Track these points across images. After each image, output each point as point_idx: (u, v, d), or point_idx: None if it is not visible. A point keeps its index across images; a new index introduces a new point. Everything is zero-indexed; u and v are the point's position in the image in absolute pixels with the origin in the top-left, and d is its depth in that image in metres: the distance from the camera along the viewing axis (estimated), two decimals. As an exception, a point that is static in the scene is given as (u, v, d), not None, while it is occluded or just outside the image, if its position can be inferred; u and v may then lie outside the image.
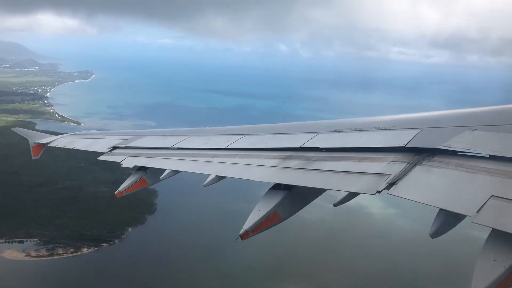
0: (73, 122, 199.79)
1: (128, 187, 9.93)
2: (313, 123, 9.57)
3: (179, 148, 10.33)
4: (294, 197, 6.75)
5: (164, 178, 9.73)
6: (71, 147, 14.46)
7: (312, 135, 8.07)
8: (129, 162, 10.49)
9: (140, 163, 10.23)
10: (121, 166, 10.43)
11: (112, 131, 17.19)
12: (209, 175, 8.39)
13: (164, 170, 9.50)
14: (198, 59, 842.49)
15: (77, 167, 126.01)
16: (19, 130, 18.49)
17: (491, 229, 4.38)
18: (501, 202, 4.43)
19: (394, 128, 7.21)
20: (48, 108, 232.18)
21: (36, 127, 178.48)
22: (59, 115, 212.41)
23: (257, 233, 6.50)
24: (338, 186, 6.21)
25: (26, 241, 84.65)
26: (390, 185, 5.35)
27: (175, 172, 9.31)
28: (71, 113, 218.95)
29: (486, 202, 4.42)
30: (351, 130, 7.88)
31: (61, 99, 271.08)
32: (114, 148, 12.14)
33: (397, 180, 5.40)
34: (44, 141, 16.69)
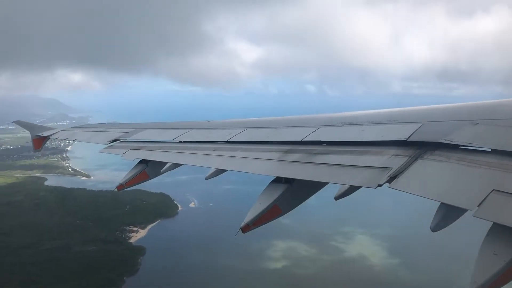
0: (83, 175, 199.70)
1: (129, 180, 10.07)
2: (314, 117, 9.63)
3: (180, 142, 10.48)
4: (295, 190, 6.77)
5: (165, 171, 9.93)
6: (72, 140, 15.60)
7: (313, 128, 8.01)
8: (130, 155, 10.69)
9: (142, 156, 10.39)
10: (123, 159, 10.66)
11: (113, 124, 16.62)
12: (210, 168, 8.60)
13: (165, 163, 9.61)
14: (228, 105, 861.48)
15: (71, 224, 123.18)
16: (20, 123, 18.95)
17: (491, 223, 4.45)
18: (502, 196, 4.45)
19: (396, 122, 7.18)
20: (64, 162, 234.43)
21: (46, 182, 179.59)
22: (72, 169, 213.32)
23: (257, 226, 6.66)
24: (339, 179, 6.20)
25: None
26: (391, 178, 5.36)
27: (176, 165, 9.45)
28: (85, 166, 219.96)
29: (487, 196, 4.44)
30: (352, 124, 7.85)
31: (80, 152, 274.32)
32: (115, 141, 12.37)
33: (398, 174, 5.40)
34: (45, 133, 17.05)
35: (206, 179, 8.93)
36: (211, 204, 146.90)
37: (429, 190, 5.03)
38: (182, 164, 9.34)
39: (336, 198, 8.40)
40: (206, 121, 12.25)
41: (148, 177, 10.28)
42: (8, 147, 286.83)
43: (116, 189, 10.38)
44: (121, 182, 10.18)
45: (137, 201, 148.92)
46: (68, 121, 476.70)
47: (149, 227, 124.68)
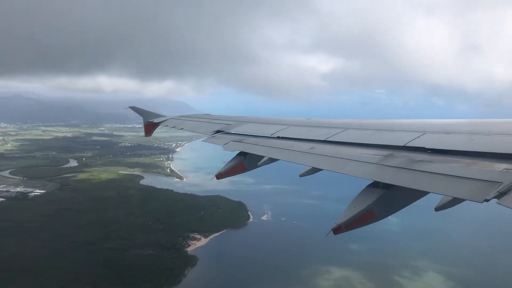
0: (177, 177, 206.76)
1: (228, 170, 10.56)
2: (419, 122, 9.18)
3: (278, 137, 10.84)
4: (393, 197, 6.63)
5: (261, 165, 10.32)
6: (179, 128, 16.34)
7: (418, 134, 7.77)
8: (231, 146, 11.25)
9: (241, 148, 10.89)
10: (223, 149, 11.20)
11: (217, 115, 17.36)
12: (306, 166, 8.95)
13: (262, 157, 9.96)
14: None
15: (142, 225, 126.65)
16: (134, 109, 20.59)
17: None
18: None
19: (510, 133, 6.86)
20: (167, 162, 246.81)
21: (141, 181, 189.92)
22: (170, 170, 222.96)
23: (349, 230, 6.53)
24: (443, 190, 5.94)
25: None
26: (501, 194, 5.02)
27: (272, 160, 9.81)
28: (183, 168, 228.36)
29: None
30: (461, 132, 7.51)
31: (186, 154, 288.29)
32: (218, 132, 13.37)
33: (509, 191, 5.01)
34: (156, 120, 18.61)
35: (300, 176, 9.87)
36: (283, 219, 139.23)
37: None
38: (278, 160, 9.55)
39: (437, 209, 8.30)
40: (305, 119, 12.39)
41: (245, 169, 10.67)
42: (126, 144, 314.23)
43: (215, 177, 10.63)
44: (220, 171, 10.55)
45: (213, 207, 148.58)
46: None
47: (212, 236, 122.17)
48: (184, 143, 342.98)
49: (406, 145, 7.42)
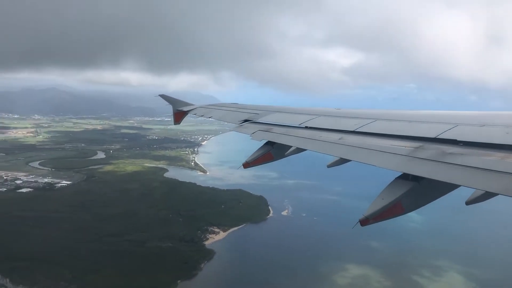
0: (201, 170, 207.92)
1: (255, 159, 10.67)
2: (451, 114, 8.99)
3: (306, 127, 10.72)
4: (422, 190, 6.54)
5: (289, 155, 10.75)
6: (208, 117, 16.55)
7: (450, 126, 7.58)
8: (258, 135, 11.28)
9: (269, 137, 10.90)
10: (251, 139, 11.24)
11: (244, 104, 17.45)
12: (334, 156, 8.83)
13: (290, 146, 10.28)
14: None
15: (163, 218, 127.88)
16: (164, 97, 21.20)
17: None
18: None
19: None
20: (192, 155, 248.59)
21: (166, 174, 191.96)
22: (194, 163, 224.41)
23: (377, 222, 6.50)
24: (475, 184, 5.75)
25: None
26: None
27: (300, 150, 10.13)
28: (207, 161, 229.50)
29: None
30: (496, 125, 7.32)
31: (211, 148, 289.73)
32: (246, 121, 13.18)
33: None
34: (185, 109, 19.11)
35: (328, 166, 9.90)
36: (304, 215, 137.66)
37: None
38: (306, 150, 9.51)
39: (468, 203, 8.27)
40: (334, 109, 12.23)
41: (272, 158, 10.71)
42: (154, 137, 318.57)
43: (242, 166, 10.69)
44: (247, 160, 10.62)
45: (234, 201, 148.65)
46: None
47: (231, 230, 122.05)
48: (210, 137, 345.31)
49: (437, 137, 7.29)
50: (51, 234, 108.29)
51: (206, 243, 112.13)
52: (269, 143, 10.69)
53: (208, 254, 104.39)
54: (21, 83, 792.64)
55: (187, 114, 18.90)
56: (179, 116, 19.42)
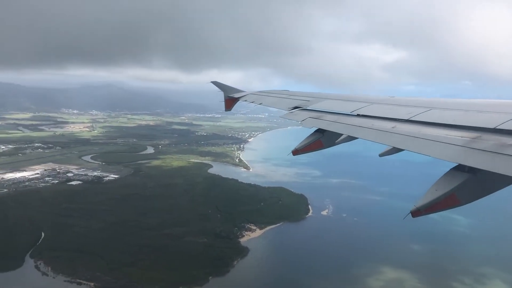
0: (244, 167, 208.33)
1: (305, 147, 10.51)
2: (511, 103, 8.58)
3: (358, 115, 10.36)
4: (478, 182, 6.35)
5: (339, 143, 10.47)
6: (258, 103, 16.45)
7: (510, 116, 7.13)
8: (309, 123, 11.00)
9: (319, 125, 10.58)
10: (300, 125, 11.06)
11: (295, 92, 17.57)
12: (386, 145, 9.10)
13: (341, 134, 9.96)
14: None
15: (202, 214, 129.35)
16: (216, 83, 21.51)
17: None
18: None
19: None
20: (237, 152, 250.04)
21: (210, 170, 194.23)
22: (238, 160, 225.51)
23: (429, 213, 6.36)
24: None
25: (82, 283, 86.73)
26: None
27: (351, 138, 9.77)
28: (251, 158, 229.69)
29: None
30: None
31: (257, 144, 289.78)
32: (296, 108, 13.07)
33: None
34: (236, 95, 19.33)
35: (380, 156, 9.84)
36: (344, 215, 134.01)
37: None
38: (357, 138, 9.32)
39: None
40: (388, 97, 11.97)
41: (322, 146, 10.53)
42: (203, 133, 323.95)
43: (291, 153, 10.86)
44: (297, 147, 10.66)
45: (274, 199, 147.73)
46: (266, 113, 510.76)
47: (267, 228, 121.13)
48: (257, 134, 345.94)
49: (496, 127, 6.96)
50: (93, 226, 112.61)
51: (242, 240, 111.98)
52: (319, 131, 10.55)
53: (242, 251, 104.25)
54: (80, 80, 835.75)
55: (238, 100, 18.97)
56: (230, 102, 19.45)
